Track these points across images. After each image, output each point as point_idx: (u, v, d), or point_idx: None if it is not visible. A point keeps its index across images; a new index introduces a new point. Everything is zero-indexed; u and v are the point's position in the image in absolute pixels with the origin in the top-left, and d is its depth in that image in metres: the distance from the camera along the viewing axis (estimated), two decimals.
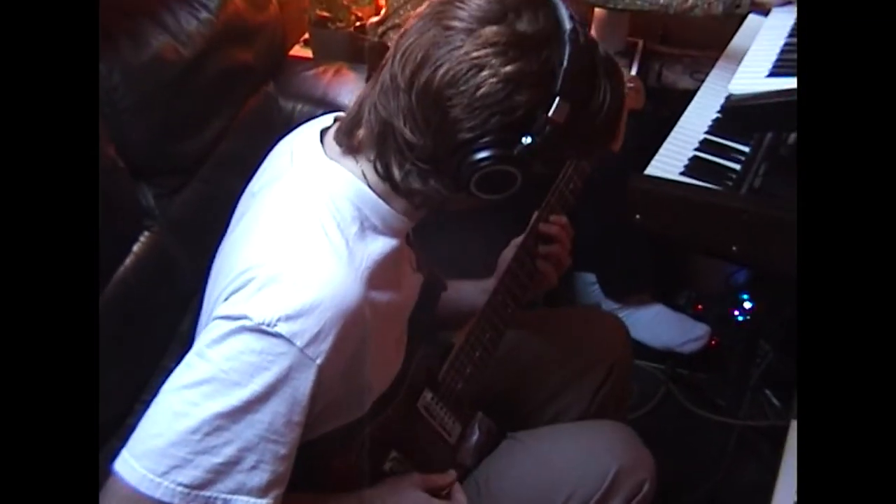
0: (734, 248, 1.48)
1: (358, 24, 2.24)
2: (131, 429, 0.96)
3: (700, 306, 2.43)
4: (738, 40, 1.99)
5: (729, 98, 1.53)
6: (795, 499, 1.21)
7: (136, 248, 1.44)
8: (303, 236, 1.00)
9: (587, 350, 1.58)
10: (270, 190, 1.09)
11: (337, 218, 1.02)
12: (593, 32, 2.45)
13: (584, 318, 1.75)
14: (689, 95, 1.87)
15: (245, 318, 0.93)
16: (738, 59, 1.74)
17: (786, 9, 1.99)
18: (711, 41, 2.11)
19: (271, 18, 1.87)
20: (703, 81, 1.93)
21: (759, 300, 2.31)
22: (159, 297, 1.47)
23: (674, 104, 1.87)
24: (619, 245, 2.22)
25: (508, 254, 1.42)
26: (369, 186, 1.05)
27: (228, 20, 1.67)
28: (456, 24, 0.94)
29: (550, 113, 0.95)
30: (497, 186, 0.99)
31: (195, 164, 1.61)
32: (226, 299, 0.98)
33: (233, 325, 0.94)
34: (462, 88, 0.93)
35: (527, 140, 0.95)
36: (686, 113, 1.80)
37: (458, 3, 0.96)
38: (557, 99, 0.95)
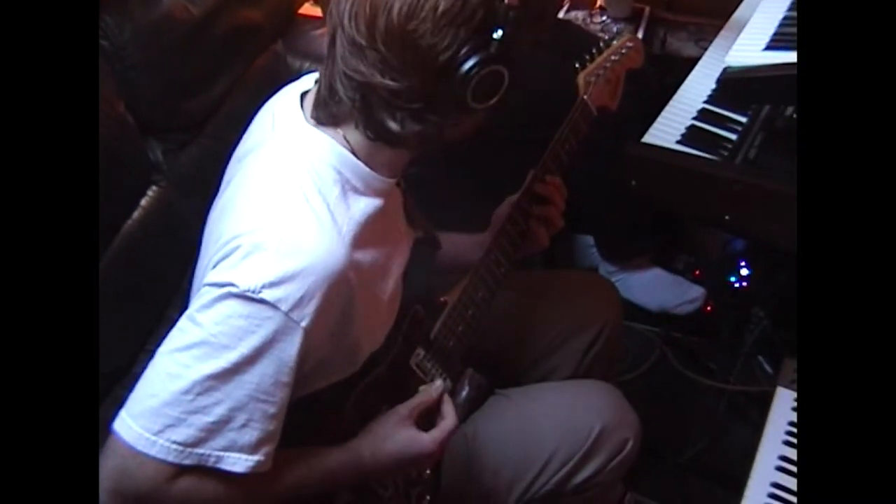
0: (726, 218, 1.50)
1: None
2: (136, 378, 1.01)
3: (698, 272, 2.44)
4: (742, 9, 1.98)
5: (725, 70, 1.54)
6: (777, 464, 1.26)
7: (143, 202, 1.47)
8: (284, 204, 1.03)
9: (578, 312, 1.60)
10: (253, 157, 1.12)
11: (318, 183, 1.05)
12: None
13: (576, 281, 1.77)
14: (693, 63, 1.87)
15: (231, 284, 0.98)
16: (741, 29, 1.72)
17: None
18: (717, 9, 2.10)
19: None
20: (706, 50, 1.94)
21: (756, 268, 2.32)
22: (165, 249, 1.50)
23: (678, 72, 1.87)
24: (619, 209, 2.23)
25: (503, 211, 1.42)
26: (351, 150, 1.08)
27: None
28: None
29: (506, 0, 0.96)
30: (490, 91, 1.00)
31: (203, 120, 1.64)
32: (214, 266, 1.02)
33: (220, 292, 0.98)
34: (422, 16, 0.94)
35: (498, 33, 0.97)
36: (686, 82, 1.80)
37: None
38: None
